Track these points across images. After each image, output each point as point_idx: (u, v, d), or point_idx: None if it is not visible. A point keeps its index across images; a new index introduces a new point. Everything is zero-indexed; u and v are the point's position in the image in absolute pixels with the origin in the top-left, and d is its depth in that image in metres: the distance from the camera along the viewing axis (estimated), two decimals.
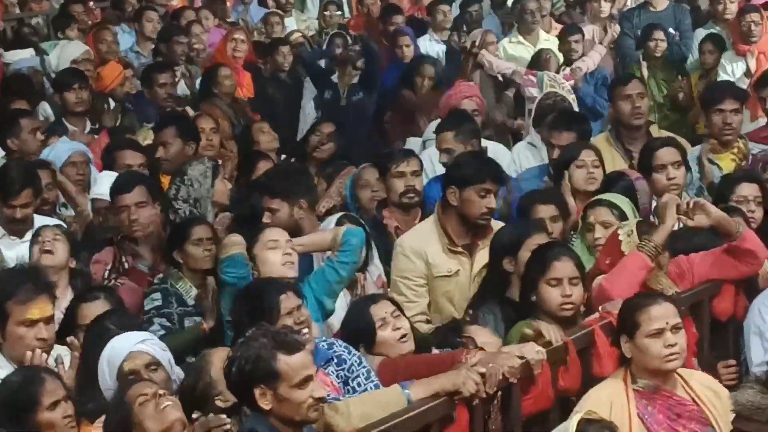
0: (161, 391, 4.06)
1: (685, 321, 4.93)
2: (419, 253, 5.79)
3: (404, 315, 5.01)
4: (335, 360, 4.71)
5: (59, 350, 4.80)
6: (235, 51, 10.03)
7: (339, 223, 5.91)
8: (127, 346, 4.46)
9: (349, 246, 5.50)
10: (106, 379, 4.45)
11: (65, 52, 9.98)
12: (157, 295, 5.62)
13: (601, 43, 10.04)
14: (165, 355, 4.54)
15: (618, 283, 5.18)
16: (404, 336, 4.87)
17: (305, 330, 4.62)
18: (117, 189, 6.18)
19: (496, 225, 5.90)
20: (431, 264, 5.78)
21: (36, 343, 4.56)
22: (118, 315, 4.88)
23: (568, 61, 9.63)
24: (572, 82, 9.04)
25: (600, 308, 5.09)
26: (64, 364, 4.66)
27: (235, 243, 5.39)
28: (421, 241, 5.82)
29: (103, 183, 6.72)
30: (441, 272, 5.79)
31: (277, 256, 5.35)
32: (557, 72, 9.20)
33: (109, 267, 6.12)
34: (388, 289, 5.93)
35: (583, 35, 9.93)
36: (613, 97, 7.54)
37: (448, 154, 6.79)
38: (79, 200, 7.04)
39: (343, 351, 4.76)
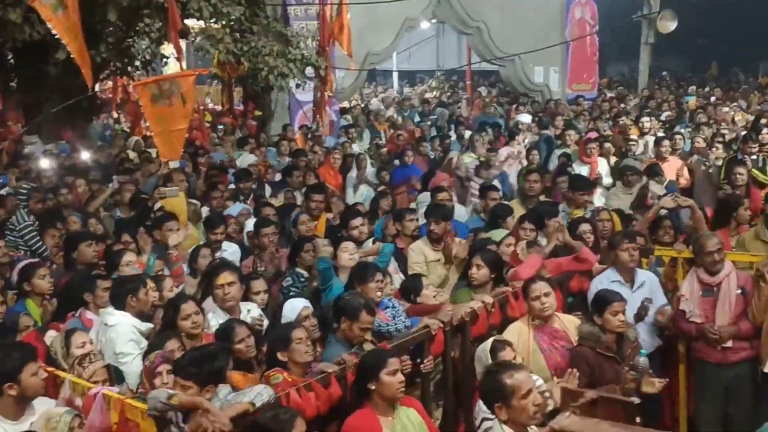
0: None
1: (555, 291, 8.35)
2: (421, 251, 9.97)
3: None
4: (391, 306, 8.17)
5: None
6: (335, 162, 16.44)
7: (374, 241, 10.61)
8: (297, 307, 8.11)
9: (383, 253, 9.58)
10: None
11: (241, 160, 17.55)
12: (288, 279, 9.42)
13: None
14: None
15: (524, 270, 8.82)
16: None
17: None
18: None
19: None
20: (426, 256, 9.89)
21: None
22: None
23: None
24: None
25: (510, 283, 8.86)
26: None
27: (325, 250, 9.02)
28: (421, 246, 10.05)
29: None
30: (431, 259, 9.85)
31: (345, 255, 9.39)
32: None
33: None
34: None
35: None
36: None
37: None
38: None
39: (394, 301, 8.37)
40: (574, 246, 9.32)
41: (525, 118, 21.93)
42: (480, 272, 8.71)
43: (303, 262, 9.54)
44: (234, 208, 12.39)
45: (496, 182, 14.44)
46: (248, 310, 8.02)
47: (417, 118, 26.66)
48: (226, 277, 7.96)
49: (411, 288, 8.66)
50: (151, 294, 7.98)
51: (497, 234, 10.00)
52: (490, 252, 9.02)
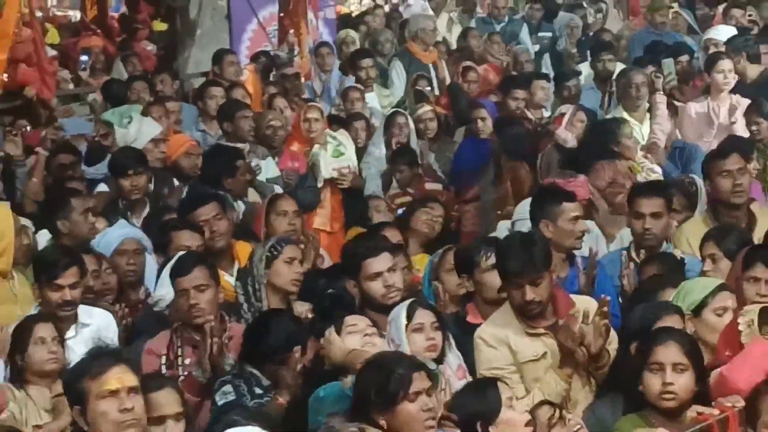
0: None
1: None
2: (501, 340, 5.47)
3: None
4: None
5: None
6: (311, 132, 9.29)
7: (410, 309, 5.44)
8: None
9: None
10: None
11: (145, 128, 8.96)
12: (229, 388, 5.35)
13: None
14: None
15: (741, 371, 4.89)
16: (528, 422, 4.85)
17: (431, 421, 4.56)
18: (175, 272, 5.89)
19: (579, 300, 5.61)
20: (515, 350, 5.46)
21: (120, 416, 4.18)
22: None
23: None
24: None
25: (715, 402, 4.82)
26: None
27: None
28: (501, 328, 5.51)
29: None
30: (527, 357, 5.45)
31: (355, 339, 5.22)
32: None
33: (163, 358, 5.77)
34: None
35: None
36: (709, 172, 7.06)
37: None
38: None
39: None
40: None
41: (725, 32, 11.75)
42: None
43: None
44: (111, 234, 7.15)
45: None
46: None
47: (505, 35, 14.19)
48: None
49: (477, 409, 4.93)
50: None
51: (694, 290, 5.59)
52: (680, 334, 5.08)
